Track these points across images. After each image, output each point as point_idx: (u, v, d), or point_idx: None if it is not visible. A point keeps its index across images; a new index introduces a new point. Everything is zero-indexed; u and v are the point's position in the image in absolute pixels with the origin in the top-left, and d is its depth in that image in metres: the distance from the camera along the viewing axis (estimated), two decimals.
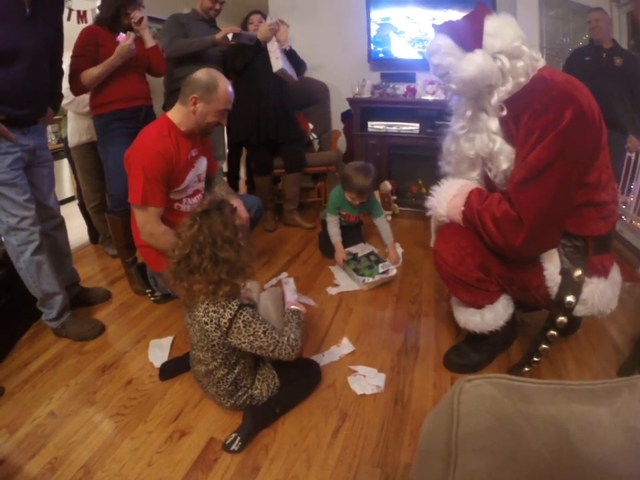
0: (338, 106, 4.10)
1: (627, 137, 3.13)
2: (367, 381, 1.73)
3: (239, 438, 1.44)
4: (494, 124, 1.46)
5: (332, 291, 2.47)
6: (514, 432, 0.57)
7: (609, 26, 3.05)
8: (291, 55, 3.22)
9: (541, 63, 1.43)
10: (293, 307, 1.60)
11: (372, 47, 3.84)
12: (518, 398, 0.60)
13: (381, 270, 2.50)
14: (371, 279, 2.45)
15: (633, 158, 3.29)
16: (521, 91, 1.40)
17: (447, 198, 1.61)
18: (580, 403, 0.61)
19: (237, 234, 1.37)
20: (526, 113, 1.36)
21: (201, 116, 1.93)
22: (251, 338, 1.37)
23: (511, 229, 1.40)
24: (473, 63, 1.36)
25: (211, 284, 1.34)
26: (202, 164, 2.14)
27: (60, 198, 3.69)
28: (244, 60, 3.02)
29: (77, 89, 2.23)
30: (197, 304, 1.38)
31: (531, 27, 3.42)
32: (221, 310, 1.35)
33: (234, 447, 1.42)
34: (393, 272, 2.50)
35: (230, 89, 1.97)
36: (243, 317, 1.36)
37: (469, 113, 1.51)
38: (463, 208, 1.55)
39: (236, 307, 1.35)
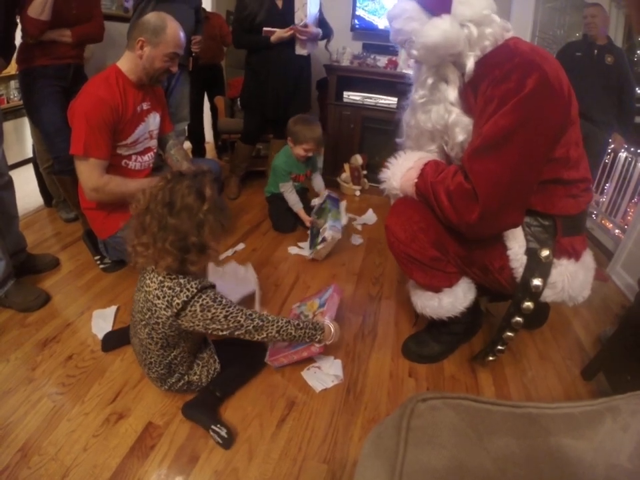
0: (314, 74, 3.90)
1: (609, 135, 3.09)
2: (324, 371, 1.62)
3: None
4: (453, 94, 1.33)
5: (292, 250, 2.51)
6: (476, 476, 0.45)
7: (604, 22, 2.98)
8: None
9: (511, 34, 1.31)
10: (327, 322, 1.51)
11: (356, 15, 3.64)
12: (484, 428, 0.49)
13: (320, 241, 2.36)
14: (311, 251, 2.41)
15: (609, 159, 3.26)
16: (483, 58, 1.27)
17: (402, 170, 1.48)
18: (558, 434, 0.51)
19: (202, 205, 1.20)
20: (485, 80, 1.24)
21: (148, 61, 1.80)
22: (208, 322, 1.24)
23: (465, 204, 1.27)
24: (438, 29, 1.22)
25: (151, 249, 1.20)
26: (154, 120, 2.00)
27: (21, 158, 3.48)
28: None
29: (29, 27, 1.98)
30: (148, 269, 1.26)
31: (526, 15, 3.35)
32: (177, 288, 1.21)
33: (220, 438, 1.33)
34: (329, 237, 2.32)
35: (180, 32, 1.83)
36: (202, 300, 1.23)
37: (429, 81, 1.38)
38: (416, 180, 1.43)
39: (195, 290, 1.22)
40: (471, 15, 1.23)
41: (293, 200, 2.67)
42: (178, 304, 1.20)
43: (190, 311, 1.22)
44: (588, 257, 1.46)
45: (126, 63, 1.82)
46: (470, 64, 1.27)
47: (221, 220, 1.24)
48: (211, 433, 1.33)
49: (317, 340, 1.44)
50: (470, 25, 1.23)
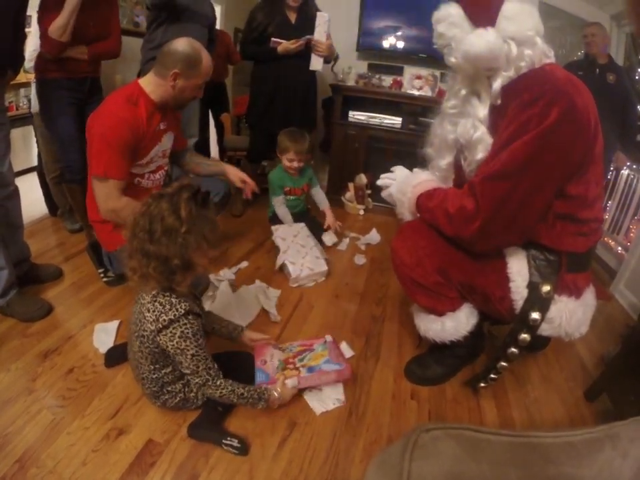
0: (319, 93, 3.95)
1: (612, 154, 3.10)
2: (326, 394, 1.60)
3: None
4: (483, 111, 1.34)
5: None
6: None
7: (605, 41, 3.00)
8: None
9: (551, 60, 1.30)
10: (273, 386, 1.46)
11: (362, 35, 3.69)
12: (484, 458, 0.49)
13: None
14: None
15: (612, 177, 3.28)
16: (516, 79, 1.27)
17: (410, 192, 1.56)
18: (558, 463, 0.51)
19: (181, 227, 1.18)
20: (514, 102, 1.24)
21: (180, 91, 1.85)
22: (177, 351, 1.27)
23: (464, 221, 1.31)
24: (483, 40, 1.22)
25: (138, 273, 1.24)
26: (169, 139, 2.02)
27: (27, 166, 3.51)
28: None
29: (49, 47, 2.03)
30: (146, 288, 1.29)
31: None
32: (167, 306, 1.25)
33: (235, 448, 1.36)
34: (298, 282, 2.36)
35: (210, 61, 1.89)
36: (184, 327, 1.25)
37: (463, 92, 1.38)
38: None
39: (182, 311, 1.24)
40: (514, 33, 1.23)
41: (282, 213, 2.71)
42: (164, 320, 1.23)
43: (171, 332, 1.24)
44: (589, 295, 1.46)
45: (150, 85, 1.83)
46: (497, 84, 1.28)
47: (205, 235, 1.24)
48: (225, 447, 1.34)
49: (258, 407, 1.42)
50: (511, 43, 1.23)
